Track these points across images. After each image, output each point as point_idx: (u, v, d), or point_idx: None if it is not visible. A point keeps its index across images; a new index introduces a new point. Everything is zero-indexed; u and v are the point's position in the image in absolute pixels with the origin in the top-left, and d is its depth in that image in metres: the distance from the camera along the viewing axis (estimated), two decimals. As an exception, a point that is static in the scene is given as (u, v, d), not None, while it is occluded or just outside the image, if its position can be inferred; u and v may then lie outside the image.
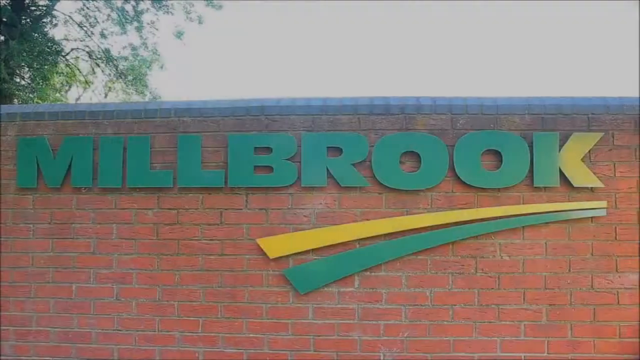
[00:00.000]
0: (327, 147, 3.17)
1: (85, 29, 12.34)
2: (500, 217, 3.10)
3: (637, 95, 3.17)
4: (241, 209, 3.21)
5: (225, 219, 3.22)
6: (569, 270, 3.08)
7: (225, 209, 3.22)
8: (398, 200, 3.14)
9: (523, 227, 3.09)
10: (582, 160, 3.08)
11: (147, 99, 13.10)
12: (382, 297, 3.14)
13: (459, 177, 3.12)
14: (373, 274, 3.15)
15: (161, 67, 13.60)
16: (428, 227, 3.12)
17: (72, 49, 12.64)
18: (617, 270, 3.06)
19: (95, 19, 12.38)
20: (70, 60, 12.83)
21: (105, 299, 3.25)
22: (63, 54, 12.28)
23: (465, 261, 3.12)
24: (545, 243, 3.09)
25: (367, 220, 3.14)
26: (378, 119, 3.20)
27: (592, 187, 3.08)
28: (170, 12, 12.49)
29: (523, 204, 3.10)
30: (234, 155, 3.22)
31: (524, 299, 3.09)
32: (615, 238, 3.06)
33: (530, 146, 3.09)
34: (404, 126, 3.19)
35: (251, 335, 3.18)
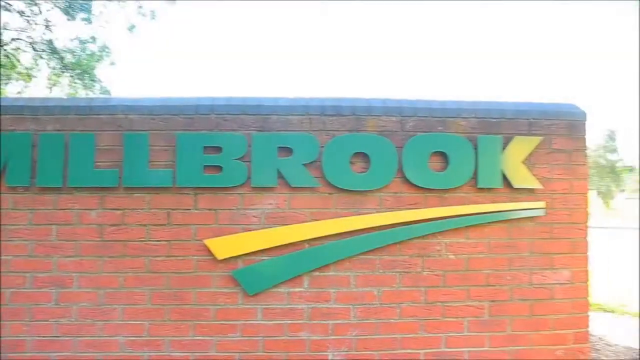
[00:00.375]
0: (278, 147, 3.16)
1: (27, 18, 11.71)
2: (446, 217, 3.18)
3: (573, 102, 3.35)
4: (189, 210, 3.14)
5: (172, 220, 3.14)
6: (510, 267, 3.20)
7: (173, 210, 3.14)
8: (348, 201, 3.17)
9: (467, 226, 3.19)
10: (523, 162, 3.22)
11: (95, 95, 12.59)
12: (331, 297, 3.16)
13: (407, 178, 3.18)
14: (322, 274, 3.16)
15: (112, 64, 13.09)
16: (377, 227, 3.17)
17: (12, 39, 11.95)
18: (552, 267, 3.21)
19: (39, 8, 11.78)
20: (10, 51, 12.13)
21: (43, 304, 3.10)
22: (1, 43, 11.59)
23: (413, 260, 3.19)
24: (488, 242, 3.21)
25: (317, 220, 3.15)
26: (329, 119, 3.22)
27: (531, 189, 3.22)
28: (121, 5, 12.05)
29: (468, 204, 3.20)
30: (182, 154, 3.14)
31: (467, 295, 3.19)
32: (552, 237, 3.22)
33: (475, 148, 3.20)
34: (354, 127, 3.22)
35: (198, 338, 3.11)
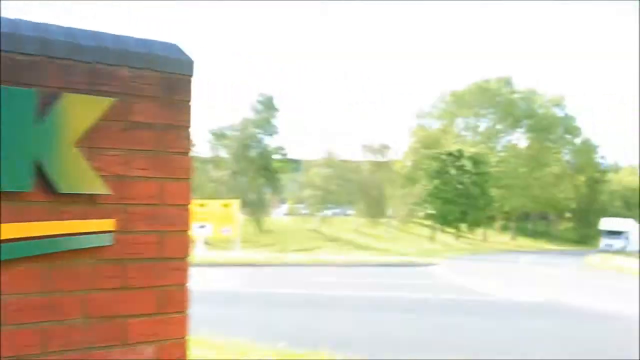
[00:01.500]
0: None
1: None
2: None
3: (174, 42, 2.09)
4: None
5: None
6: (43, 351, 1.71)
7: None
8: None
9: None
10: (78, 145, 1.77)
11: None
12: None
13: None
14: None
15: None
16: None
17: None
18: (126, 343, 1.87)
19: None
20: None
21: None
22: None
23: None
24: None
25: None
26: None
27: (91, 195, 1.81)
28: None
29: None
30: None
31: None
32: (124, 286, 1.87)
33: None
34: None
35: None
